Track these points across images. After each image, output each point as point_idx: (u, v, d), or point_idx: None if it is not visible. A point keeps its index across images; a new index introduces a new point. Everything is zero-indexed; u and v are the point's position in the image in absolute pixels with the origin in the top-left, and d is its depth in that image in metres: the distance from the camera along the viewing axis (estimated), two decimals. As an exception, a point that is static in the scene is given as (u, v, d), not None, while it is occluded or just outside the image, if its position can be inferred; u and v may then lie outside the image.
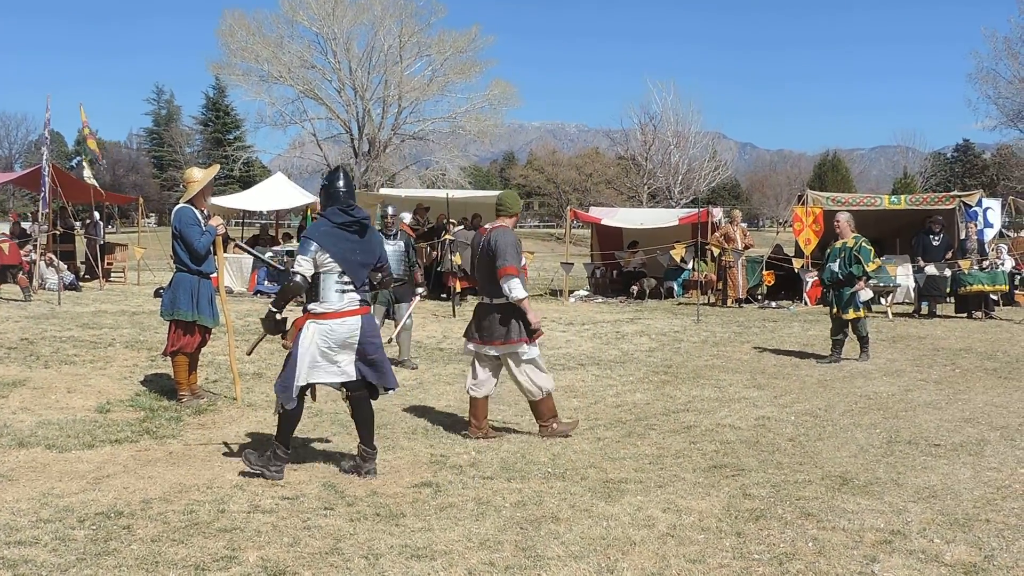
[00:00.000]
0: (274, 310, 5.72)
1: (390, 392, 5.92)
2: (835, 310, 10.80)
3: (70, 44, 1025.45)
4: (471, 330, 6.90)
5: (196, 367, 8.09)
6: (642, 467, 5.99)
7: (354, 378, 5.67)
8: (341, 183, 5.74)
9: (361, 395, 5.78)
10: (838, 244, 10.85)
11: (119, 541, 4.46)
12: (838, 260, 10.70)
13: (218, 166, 8.96)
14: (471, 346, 6.91)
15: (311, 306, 5.61)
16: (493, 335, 6.70)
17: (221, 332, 8.53)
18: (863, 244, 10.64)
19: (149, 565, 4.16)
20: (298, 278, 5.52)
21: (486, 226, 7.03)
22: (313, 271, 5.55)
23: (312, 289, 5.60)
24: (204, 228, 7.62)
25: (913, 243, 17.29)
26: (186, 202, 7.76)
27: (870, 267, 10.57)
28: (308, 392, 5.77)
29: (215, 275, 7.82)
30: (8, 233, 20.69)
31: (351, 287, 5.64)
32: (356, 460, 5.82)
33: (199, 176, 7.86)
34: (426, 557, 4.32)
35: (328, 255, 5.54)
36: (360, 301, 5.69)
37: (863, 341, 10.76)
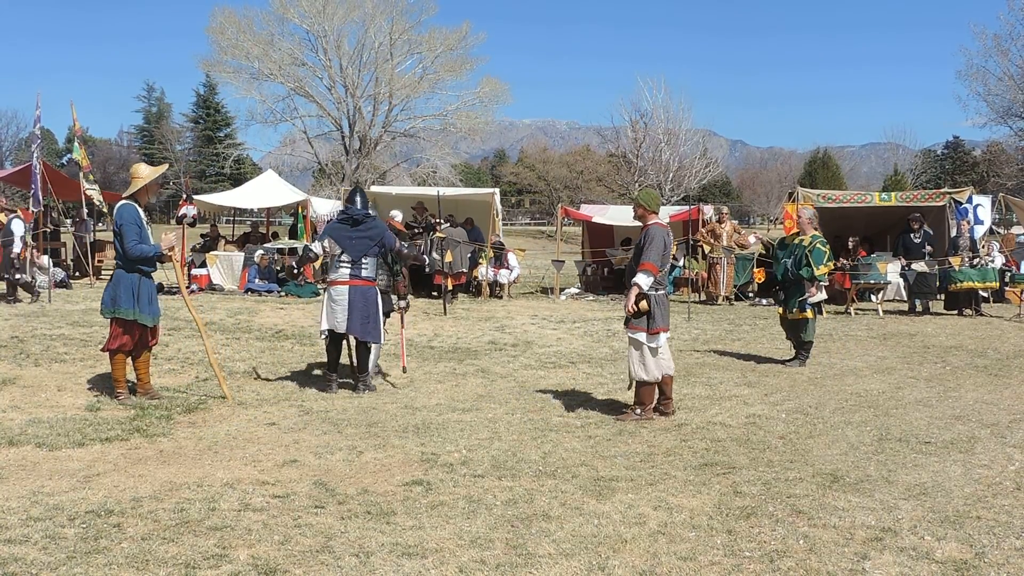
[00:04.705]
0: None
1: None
2: (781, 309, 10.51)
3: (58, 31, 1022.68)
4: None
5: (148, 365, 7.93)
6: (633, 465, 6.00)
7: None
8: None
9: None
10: (796, 240, 10.43)
11: (109, 539, 4.44)
12: (792, 257, 10.27)
13: (166, 165, 8.85)
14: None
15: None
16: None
17: (194, 331, 8.50)
18: (817, 245, 10.12)
19: (139, 563, 4.15)
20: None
21: (650, 222, 7.45)
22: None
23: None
24: (142, 235, 7.45)
25: (896, 244, 17.38)
26: (129, 198, 7.63)
27: (819, 271, 10.04)
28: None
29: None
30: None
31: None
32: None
33: (145, 172, 7.72)
34: (417, 555, 4.31)
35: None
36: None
37: (801, 346, 10.27)
